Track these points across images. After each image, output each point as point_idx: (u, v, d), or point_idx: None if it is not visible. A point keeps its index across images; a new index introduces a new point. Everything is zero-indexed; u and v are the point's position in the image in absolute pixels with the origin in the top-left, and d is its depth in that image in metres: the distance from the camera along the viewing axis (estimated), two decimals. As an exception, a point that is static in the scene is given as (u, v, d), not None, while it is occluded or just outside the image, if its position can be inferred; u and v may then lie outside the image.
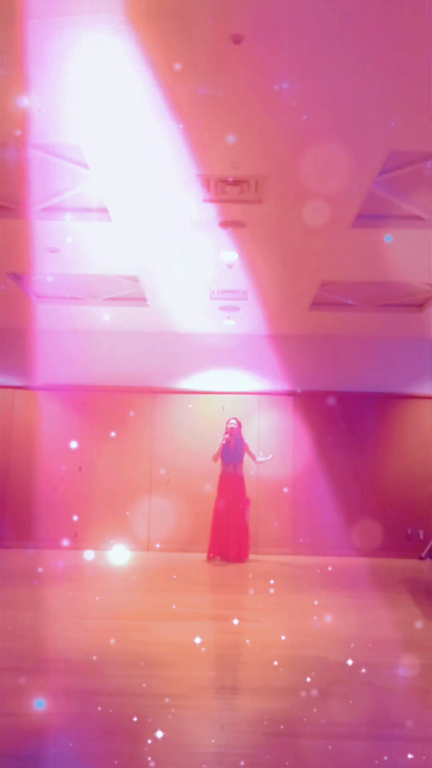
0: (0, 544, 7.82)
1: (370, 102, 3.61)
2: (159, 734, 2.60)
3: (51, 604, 4.96)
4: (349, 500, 8.01)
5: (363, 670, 3.52)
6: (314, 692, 3.15)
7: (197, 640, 4.07)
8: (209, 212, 5.02)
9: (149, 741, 2.55)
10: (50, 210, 5.14)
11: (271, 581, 6.21)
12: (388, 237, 5.38)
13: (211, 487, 7.55)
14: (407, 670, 3.60)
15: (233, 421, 7.57)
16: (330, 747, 2.58)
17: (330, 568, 6.95)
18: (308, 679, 3.35)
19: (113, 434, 8.08)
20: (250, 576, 6.53)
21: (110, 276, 6.70)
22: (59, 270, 6.44)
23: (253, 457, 7.57)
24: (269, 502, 8.00)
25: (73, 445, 8.03)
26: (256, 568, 6.94)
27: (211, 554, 7.24)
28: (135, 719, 2.77)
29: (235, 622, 4.51)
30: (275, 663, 3.64)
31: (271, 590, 5.88)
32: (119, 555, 7.68)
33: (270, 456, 7.70)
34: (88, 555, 7.52)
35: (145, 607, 4.98)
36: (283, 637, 4.19)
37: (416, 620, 4.74)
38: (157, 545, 7.94)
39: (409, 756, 2.52)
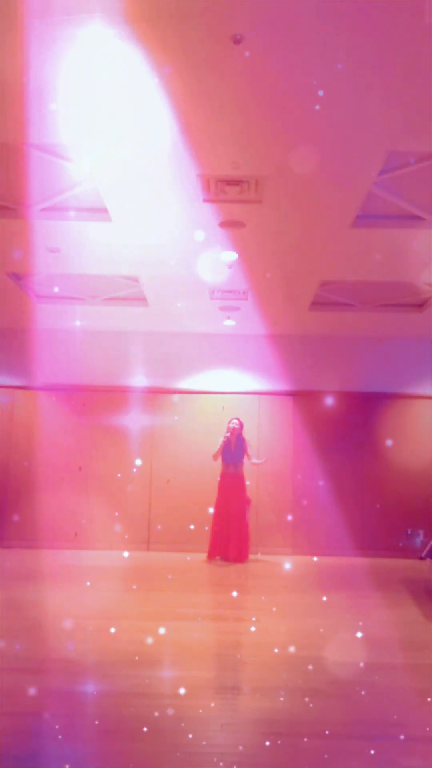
0: (0, 544, 7.82)
1: (370, 102, 3.61)
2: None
3: (51, 604, 4.96)
4: (349, 500, 8.00)
5: (363, 670, 3.52)
6: (314, 692, 3.15)
7: (197, 640, 4.07)
8: (209, 212, 5.02)
9: (149, 741, 2.55)
10: (50, 210, 5.14)
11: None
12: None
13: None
14: (407, 670, 3.59)
15: (235, 421, 7.57)
16: (330, 747, 2.58)
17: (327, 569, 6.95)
18: (308, 679, 3.35)
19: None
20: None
21: (110, 276, 6.69)
22: (59, 270, 6.44)
23: (249, 457, 7.56)
24: (270, 502, 8.00)
25: (73, 444, 8.03)
26: (257, 568, 6.94)
27: (212, 554, 7.25)
28: (135, 719, 2.77)
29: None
30: (275, 663, 3.64)
31: (271, 590, 5.87)
32: (119, 555, 7.67)
33: (263, 459, 7.73)
34: (88, 555, 7.52)
35: (145, 607, 4.98)
36: (282, 637, 4.20)
37: (416, 620, 4.75)
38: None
39: (409, 756, 2.52)
